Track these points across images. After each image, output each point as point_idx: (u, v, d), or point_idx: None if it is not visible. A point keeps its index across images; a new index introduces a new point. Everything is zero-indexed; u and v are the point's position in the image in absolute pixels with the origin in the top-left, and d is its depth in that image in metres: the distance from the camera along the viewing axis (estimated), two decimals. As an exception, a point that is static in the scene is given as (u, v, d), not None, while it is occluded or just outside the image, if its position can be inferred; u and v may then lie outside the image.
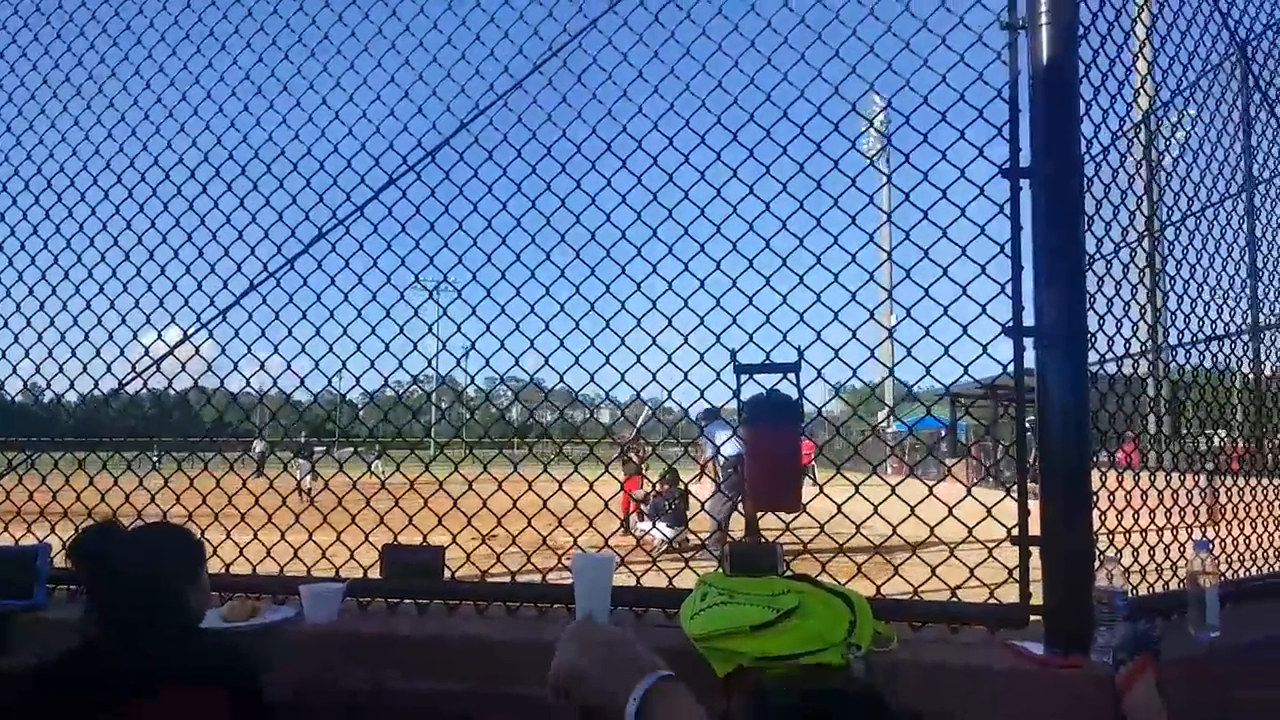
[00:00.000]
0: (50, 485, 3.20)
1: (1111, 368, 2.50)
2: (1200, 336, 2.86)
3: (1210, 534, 2.67)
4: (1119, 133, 2.49)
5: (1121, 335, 2.49)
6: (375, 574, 2.68)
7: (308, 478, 12.96)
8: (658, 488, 10.44)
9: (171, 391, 3.26)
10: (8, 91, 3.46)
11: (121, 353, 3.14)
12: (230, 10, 3.17)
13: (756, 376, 2.56)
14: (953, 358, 2.39)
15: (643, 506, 10.95)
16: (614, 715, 1.05)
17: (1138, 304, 2.55)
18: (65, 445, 3.36)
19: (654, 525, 10.43)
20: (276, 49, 3.08)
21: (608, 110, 2.75)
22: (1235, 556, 2.80)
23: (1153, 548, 2.54)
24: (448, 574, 2.66)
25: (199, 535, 2.14)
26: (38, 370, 3.26)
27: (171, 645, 1.89)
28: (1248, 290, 3.19)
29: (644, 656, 1.11)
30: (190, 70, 3.19)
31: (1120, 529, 2.42)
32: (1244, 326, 3.17)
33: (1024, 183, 2.29)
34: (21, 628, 2.52)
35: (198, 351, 3.09)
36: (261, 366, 3.04)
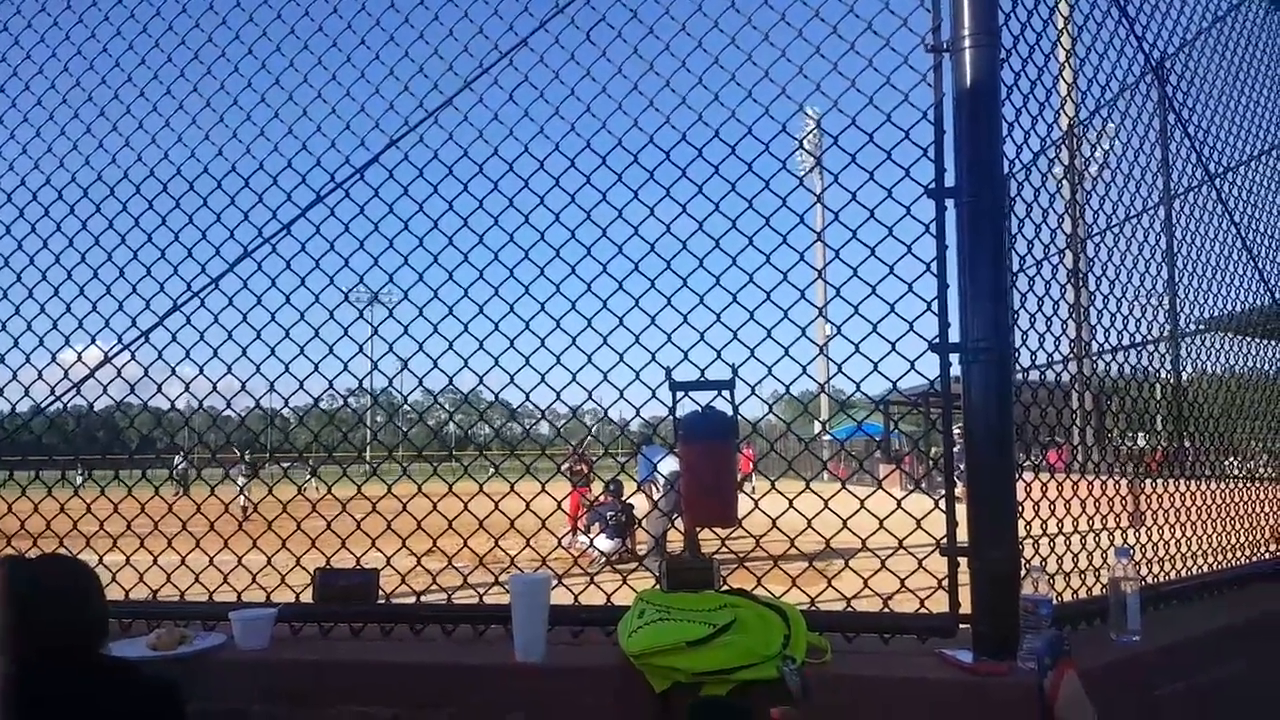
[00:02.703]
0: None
1: (1035, 377, 2.57)
2: (1121, 344, 2.95)
3: (1132, 537, 2.76)
4: (1040, 151, 2.56)
5: (1044, 348, 2.56)
6: (307, 597, 2.63)
7: (244, 493, 12.51)
8: (600, 498, 10.30)
9: (94, 412, 3.16)
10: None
11: (39, 375, 3.04)
12: (150, 24, 3.07)
13: (692, 393, 2.57)
14: (882, 374, 2.44)
15: (582, 520, 10.81)
16: None
17: (1059, 318, 2.62)
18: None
19: (592, 541, 10.33)
20: (199, 63, 3.00)
21: (540, 128, 2.74)
22: (1155, 560, 2.90)
23: (1075, 555, 2.62)
24: (382, 596, 2.63)
25: (125, 560, 2.08)
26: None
27: (92, 675, 1.84)
28: (1166, 299, 3.30)
29: None
30: (109, 85, 3.09)
31: (1045, 535, 2.49)
32: (1163, 334, 3.28)
33: (949, 202, 2.33)
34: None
35: (119, 373, 2.99)
36: (187, 388, 2.96)
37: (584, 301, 2.71)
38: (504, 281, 2.76)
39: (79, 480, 3.29)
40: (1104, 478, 2.89)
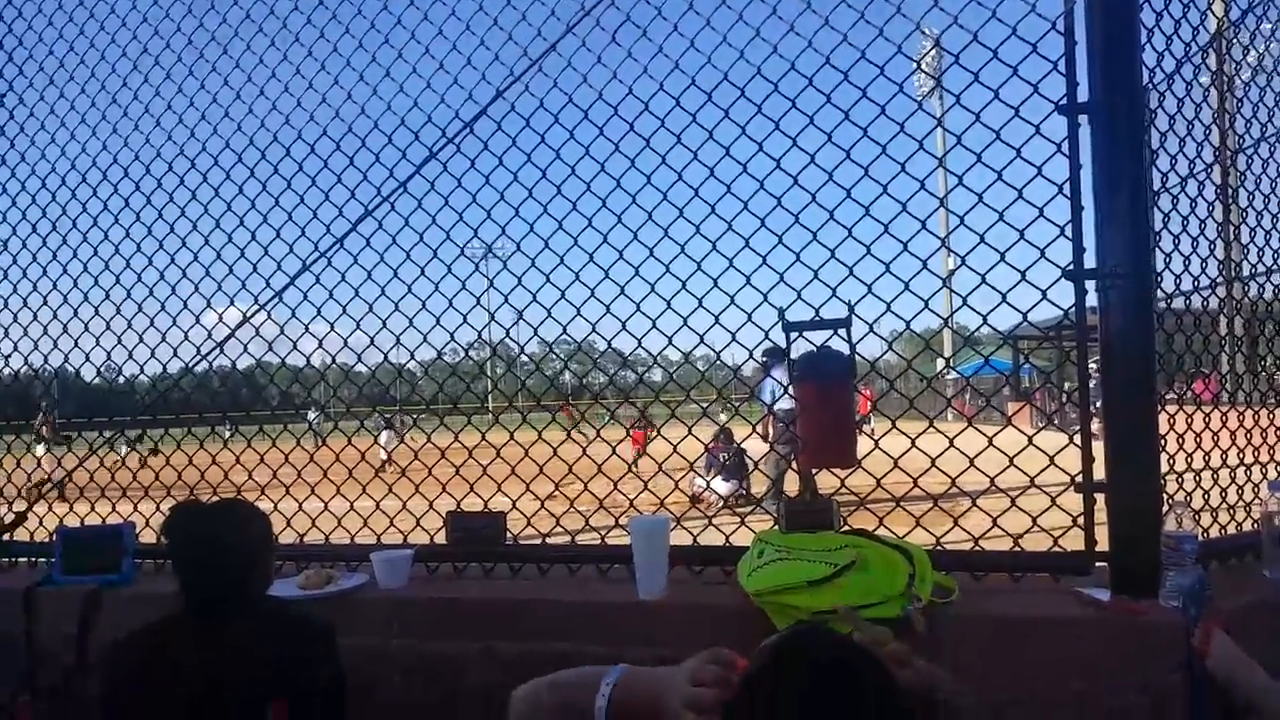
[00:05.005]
0: (129, 465, 3.36)
1: (1180, 304, 2.41)
2: (1277, 265, 2.73)
3: (1286, 471, 2.58)
4: (1184, 59, 2.36)
5: (1190, 272, 2.39)
6: (441, 540, 2.75)
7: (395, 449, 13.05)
8: (710, 444, 10.30)
9: (236, 370, 3.38)
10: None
11: (185, 336, 3.25)
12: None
13: (806, 333, 2.52)
14: (1011, 305, 2.32)
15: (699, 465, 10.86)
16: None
17: (1206, 239, 2.43)
18: (140, 424, 3.50)
19: (709, 483, 10.39)
20: (312, 27, 3.07)
21: (644, 68, 2.68)
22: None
23: (1224, 489, 2.46)
24: (510, 537, 2.72)
25: (273, 507, 2.22)
26: (109, 356, 3.40)
27: (254, 615, 1.98)
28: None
29: (598, 668, 1.15)
30: (231, 54, 3.20)
31: (1190, 470, 2.35)
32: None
33: (1082, 118, 2.18)
34: (113, 602, 2.66)
35: (258, 332, 3.17)
36: (320, 344, 3.12)
37: (693, 244, 2.68)
38: (612, 228, 2.76)
39: (227, 434, 3.53)
40: (1256, 409, 2.70)
